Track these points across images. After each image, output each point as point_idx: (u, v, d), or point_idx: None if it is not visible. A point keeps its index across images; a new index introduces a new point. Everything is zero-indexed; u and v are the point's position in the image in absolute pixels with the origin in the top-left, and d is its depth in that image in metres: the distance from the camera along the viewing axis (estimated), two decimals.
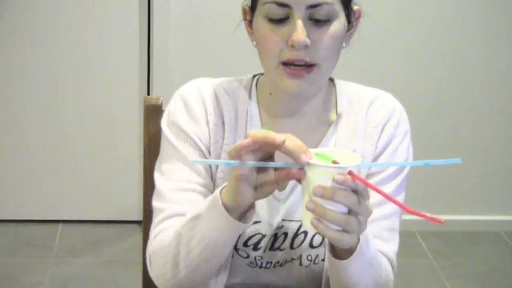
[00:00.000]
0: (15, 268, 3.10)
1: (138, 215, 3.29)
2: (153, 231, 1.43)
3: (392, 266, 1.44)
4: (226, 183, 1.27)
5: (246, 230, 1.43)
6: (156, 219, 1.44)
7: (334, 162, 1.18)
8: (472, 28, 3.36)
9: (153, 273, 1.41)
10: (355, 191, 1.17)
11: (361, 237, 1.25)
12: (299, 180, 1.20)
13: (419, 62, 3.38)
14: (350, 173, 1.16)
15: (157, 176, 1.47)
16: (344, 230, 1.19)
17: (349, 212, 1.18)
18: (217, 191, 1.27)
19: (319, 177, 1.16)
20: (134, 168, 3.35)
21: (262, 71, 1.48)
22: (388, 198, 1.20)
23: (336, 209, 1.17)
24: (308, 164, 1.17)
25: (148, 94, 3.26)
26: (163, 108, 1.62)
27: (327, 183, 1.16)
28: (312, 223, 1.18)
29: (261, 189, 1.23)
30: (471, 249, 3.45)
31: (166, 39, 3.24)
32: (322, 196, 1.16)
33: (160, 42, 3.24)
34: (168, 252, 1.35)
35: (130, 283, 2.92)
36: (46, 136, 3.37)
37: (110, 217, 3.44)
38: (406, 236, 3.44)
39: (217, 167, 1.45)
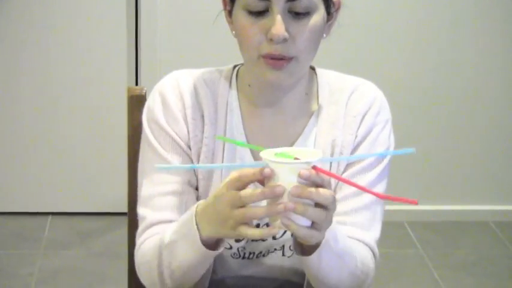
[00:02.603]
0: (4, 260, 3.10)
1: (126, 207, 3.26)
2: (138, 241, 1.44)
3: (374, 254, 1.44)
4: (200, 218, 1.28)
5: None
6: (140, 228, 1.45)
7: (296, 159, 1.17)
8: (461, 16, 3.37)
9: (143, 282, 1.43)
10: (321, 185, 1.17)
11: (328, 232, 1.25)
12: (261, 182, 1.20)
13: (410, 51, 3.39)
14: (314, 167, 1.16)
15: (140, 181, 1.47)
16: (313, 227, 1.20)
17: (318, 206, 1.19)
18: (193, 227, 1.28)
19: (285, 175, 1.16)
20: (122, 161, 3.33)
21: (236, 63, 1.49)
22: (361, 188, 1.23)
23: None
24: (273, 162, 1.16)
25: (137, 85, 3.26)
26: (147, 98, 1.62)
27: (294, 180, 1.16)
28: (282, 223, 1.18)
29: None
30: (460, 239, 3.46)
31: (154, 30, 3.24)
32: (299, 195, 1.16)
33: (148, 33, 3.24)
34: (152, 267, 1.38)
35: (119, 275, 2.91)
36: (34, 129, 3.36)
37: (98, 209, 3.44)
38: (395, 226, 3.44)
39: (198, 159, 1.45)
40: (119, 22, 3.25)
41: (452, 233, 3.49)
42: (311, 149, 1.23)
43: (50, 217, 3.42)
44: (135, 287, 1.69)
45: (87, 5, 3.23)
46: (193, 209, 1.30)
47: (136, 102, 1.62)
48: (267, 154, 1.18)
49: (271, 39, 1.33)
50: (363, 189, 1.28)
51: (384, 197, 1.19)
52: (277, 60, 1.35)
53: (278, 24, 1.32)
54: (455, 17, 3.37)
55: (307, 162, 1.16)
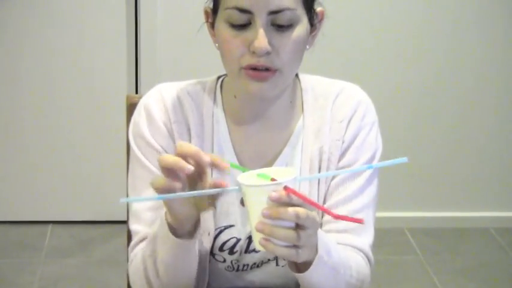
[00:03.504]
0: (5, 269, 3.10)
1: (126, 216, 3.27)
2: (130, 255, 1.45)
3: (368, 259, 1.44)
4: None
5: (220, 235, 1.45)
6: (132, 242, 1.45)
7: (272, 180, 1.17)
8: (458, 24, 3.37)
9: None
10: (293, 205, 1.16)
11: (320, 247, 1.25)
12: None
13: (405, 60, 3.39)
14: (285, 188, 1.16)
15: (130, 193, 1.47)
16: (294, 246, 1.18)
17: (297, 226, 1.18)
18: (163, 213, 1.28)
19: (257, 196, 1.16)
20: (122, 169, 3.33)
21: (220, 74, 1.50)
22: (323, 210, 1.24)
23: (285, 225, 1.17)
24: (244, 185, 1.17)
25: (137, 94, 3.26)
26: None
27: (265, 201, 1.16)
28: (260, 243, 1.18)
29: (198, 205, 1.25)
30: (460, 245, 3.46)
31: (153, 38, 3.24)
32: (269, 217, 1.16)
33: (147, 42, 3.25)
34: (141, 276, 1.38)
35: (119, 282, 2.92)
36: (35, 138, 3.36)
37: (99, 218, 3.44)
38: (395, 233, 3.44)
39: None
40: (119, 31, 3.26)
41: (453, 239, 3.49)
42: (291, 169, 1.23)
43: (50, 226, 3.42)
44: None
45: (88, 14, 3.23)
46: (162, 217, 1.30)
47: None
48: (244, 177, 1.19)
49: (253, 52, 1.33)
50: (323, 210, 1.28)
51: (337, 217, 1.20)
52: (261, 72, 1.34)
53: (261, 38, 1.31)
54: (452, 25, 3.37)
55: (278, 184, 1.16)
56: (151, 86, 1.53)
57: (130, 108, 1.62)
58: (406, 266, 3.26)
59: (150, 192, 1.29)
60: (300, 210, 1.16)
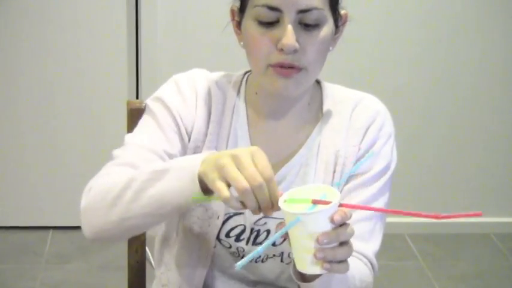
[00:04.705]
0: (6, 274, 3.10)
1: None
2: (102, 170, 1.41)
3: (372, 266, 1.45)
4: (208, 156, 1.23)
5: (229, 221, 1.47)
6: (109, 163, 1.42)
7: (313, 201, 1.15)
8: (464, 26, 3.38)
9: (86, 206, 1.37)
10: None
11: None
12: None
13: (410, 63, 3.40)
14: (342, 205, 1.15)
15: (127, 134, 1.48)
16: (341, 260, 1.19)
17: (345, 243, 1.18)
18: (197, 160, 1.24)
19: (317, 223, 1.14)
20: None
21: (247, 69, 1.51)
22: (378, 210, 1.22)
23: (335, 245, 1.16)
24: (303, 214, 1.13)
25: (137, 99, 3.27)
26: None
27: (325, 225, 1.14)
28: (325, 268, 1.16)
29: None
30: (461, 251, 3.46)
31: (154, 43, 3.25)
32: (328, 243, 1.15)
33: (148, 47, 3.25)
34: (111, 191, 1.32)
35: None
36: (35, 143, 3.37)
37: None
38: (396, 239, 3.45)
39: (194, 150, 1.46)
40: (120, 36, 3.26)
41: (453, 245, 3.49)
42: (314, 185, 1.22)
43: (51, 231, 3.43)
44: None
45: (88, 18, 3.24)
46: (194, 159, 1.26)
47: (136, 116, 1.62)
48: (286, 206, 1.14)
49: (281, 50, 1.35)
50: (385, 211, 1.27)
51: (402, 213, 1.18)
52: (287, 69, 1.37)
53: (289, 35, 1.34)
54: (455, 25, 3.38)
55: (334, 205, 1.14)
56: (152, 91, 1.55)
57: (131, 113, 1.63)
58: (407, 271, 3.26)
59: (147, 136, 1.41)
60: (349, 226, 1.16)
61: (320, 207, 1.14)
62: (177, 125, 1.46)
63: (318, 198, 1.14)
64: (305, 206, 1.14)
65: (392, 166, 1.50)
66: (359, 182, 1.45)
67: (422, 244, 3.46)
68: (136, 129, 1.49)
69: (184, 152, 1.46)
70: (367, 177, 1.46)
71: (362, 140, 1.48)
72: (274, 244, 1.46)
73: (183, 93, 1.48)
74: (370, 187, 1.46)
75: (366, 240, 1.44)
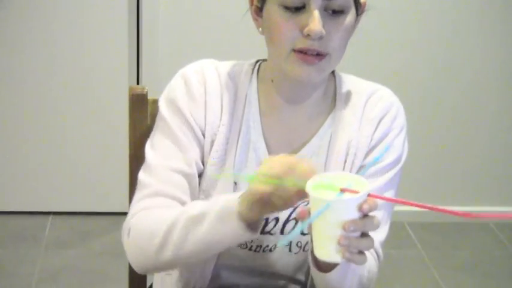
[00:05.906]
0: (5, 260, 3.10)
1: (127, 207, 3.27)
2: (135, 206, 1.42)
3: (378, 256, 1.46)
4: (239, 194, 1.28)
5: None
6: (140, 193, 1.43)
7: (342, 189, 1.15)
8: (468, 22, 3.37)
9: (133, 246, 1.39)
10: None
11: None
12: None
13: (413, 56, 3.39)
14: (370, 195, 1.15)
15: (148, 150, 1.47)
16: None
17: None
18: (232, 198, 1.28)
19: (346, 211, 1.14)
20: (123, 160, 3.33)
21: (258, 58, 1.51)
22: (405, 203, 1.21)
23: (358, 234, 1.16)
24: (334, 201, 1.14)
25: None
26: (148, 98, 1.62)
27: (353, 214, 1.14)
28: (345, 257, 1.16)
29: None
30: (460, 240, 3.46)
31: (155, 30, 3.24)
32: (354, 231, 1.15)
33: (149, 33, 3.24)
34: (158, 230, 1.34)
35: (120, 274, 2.92)
36: (35, 129, 3.36)
37: (99, 209, 3.44)
38: (396, 227, 3.42)
39: (211, 147, 1.46)
40: (121, 22, 3.25)
41: (453, 234, 3.50)
42: (341, 172, 1.24)
43: (50, 217, 3.42)
44: (136, 287, 1.70)
45: (89, 6, 3.23)
46: (231, 197, 1.30)
47: (138, 102, 1.62)
48: (316, 193, 1.15)
49: (308, 35, 1.34)
50: (408, 204, 1.26)
51: (431, 208, 1.18)
52: (311, 56, 1.36)
53: (316, 21, 1.34)
54: (458, 20, 3.37)
55: (364, 195, 1.14)
56: (152, 79, 1.54)
57: (133, 99, 1.62)
58: (407, 260, 3.26)
59: (169, 151, 1.40)
60: (375, 217, 1.17)
61: (349, 195, 1.14)
62: (192, 129, 1.45)
63: (343, 186, 1.15)
64: (332, 193, 1.15)
65: (403, 158, 1.51)
66: (370, 172, 1.45)
67: (422, 233, 3.46)
68: (155, 143, 1.47)
69: (202, 150, 1.46)
70: (378, 168, 1.46)
71: (375, 130, 1.48)
72: (282, 233, 1.46)
73: (192, 92, 1.46)
74: (381, 178, 1.46)
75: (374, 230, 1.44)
